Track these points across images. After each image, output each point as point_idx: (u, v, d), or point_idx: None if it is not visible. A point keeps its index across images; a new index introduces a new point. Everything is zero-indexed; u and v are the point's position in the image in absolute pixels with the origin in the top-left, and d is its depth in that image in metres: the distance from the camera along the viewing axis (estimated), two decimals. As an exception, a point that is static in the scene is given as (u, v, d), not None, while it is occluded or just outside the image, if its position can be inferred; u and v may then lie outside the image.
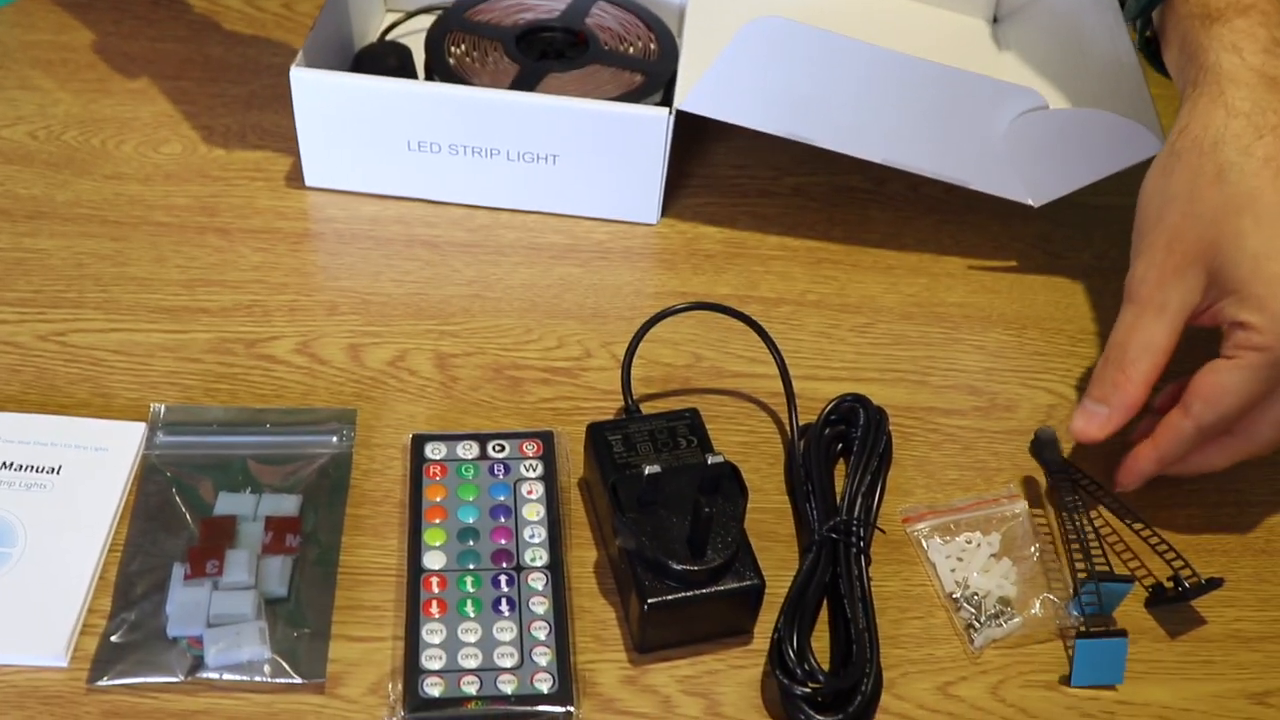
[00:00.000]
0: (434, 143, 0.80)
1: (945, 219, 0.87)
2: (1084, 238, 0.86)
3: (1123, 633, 0.63)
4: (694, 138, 0.89)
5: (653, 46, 0.90)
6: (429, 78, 0.87)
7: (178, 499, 0.66)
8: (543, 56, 0.88)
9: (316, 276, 0.79)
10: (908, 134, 0.80)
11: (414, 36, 0.94)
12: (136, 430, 0.69)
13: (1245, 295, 0.63)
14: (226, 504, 0.65)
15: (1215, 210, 0.65)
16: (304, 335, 0.75)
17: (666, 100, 0.86)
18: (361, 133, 0.81)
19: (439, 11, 0.93)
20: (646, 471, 0.61)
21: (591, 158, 0.81)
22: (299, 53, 0.80)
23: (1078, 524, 0.67)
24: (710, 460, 0.62)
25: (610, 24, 0.91)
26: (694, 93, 0.79)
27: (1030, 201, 0.83)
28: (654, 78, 0.87)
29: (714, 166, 0.89)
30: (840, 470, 0.70)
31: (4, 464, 0.66)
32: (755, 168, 0.89)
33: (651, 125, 0.79)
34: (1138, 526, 0.68)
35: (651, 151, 0.80)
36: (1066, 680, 0.62)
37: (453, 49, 0.87)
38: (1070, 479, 0.69)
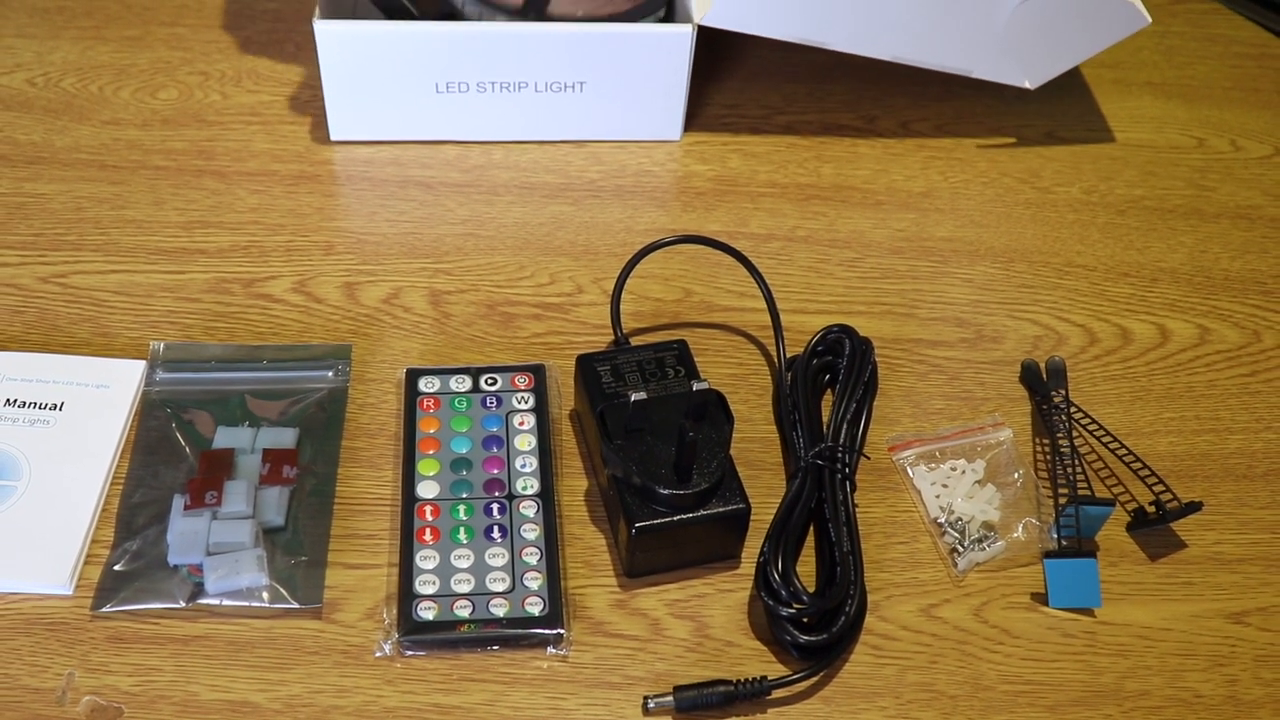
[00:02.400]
0: (463, 82, 0.81)
1: (934, 155, 0.87)
2: (1073, 171, 0.87)
3: (1091, 554, 0.64)
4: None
5: None
6: (419, 17, 0.87)
7: (177, 433, 0.67)
8: None
9: (312, 218, 0.79)
10: (915, 30, 0.82)
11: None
12: (137, 368, 0.70)
13: None
14: (225, 437, 0.66)
15: None
16: (300, 274, 0.76)
17: (669, 13, 0.87)
18: (390, 80, 0.81)
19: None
20: (633, 398, 0.62)
21: (618, 81, 0.82)
22: (316, 5, 0.79)
23: (1061, 450, 0.68)
24: (696, 387, 0.62)
25: None
26: (716, 8, 0.80)
27: (1027, 84, 0.86)
28: None
29: (706, 106, 0.89)
30: (828, 401, 0.71)
31: (8, 401, 0.68)
32: (746, 106, 0.90)
33: (676, 42, 0.81)
34: (1122, 453, 0.68)
35: (676, 68, 0.82)
36: (1046, 600, 0.63)
37: None
38: (1056, 407, 0.70)
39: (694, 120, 0.87)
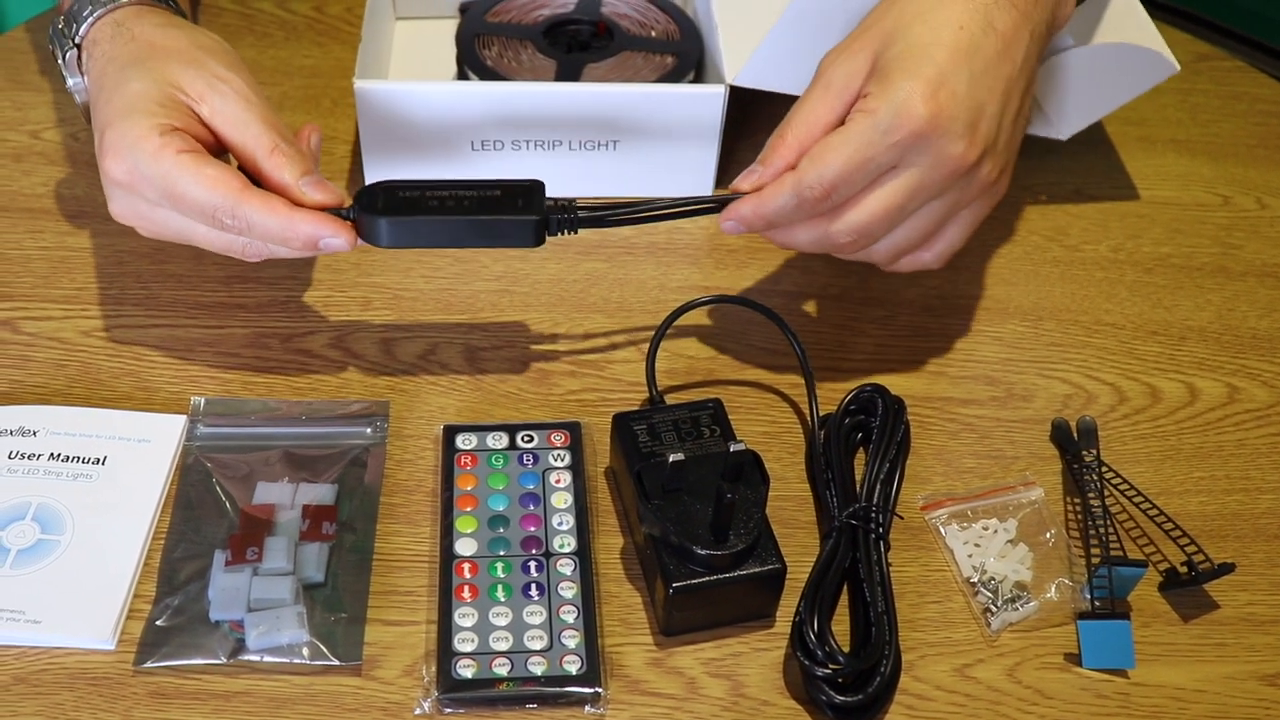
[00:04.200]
0: (498, 140, 0.82)
1: (963, 213, 0.88)
2: (1100, 229, 0.87)
3: (1125, 615, 0.64)
4: (737, 132, 0.90)
5: (672, 28, 0.92)
6: (464, 80, 0.89)
7: (218, 488, 0.68)
8: (570, 50, 0.90)
9: (349, 273, 0.80)
10: None
11: (425, 41, 0.97)
12: (178, 422, 0.71)
13: (880, 70, 0.65)
14: (265, 493, 0.67)
15: (902, 11, 0.66)
16: (338, 330, 0.77)
17: (698, 78, 0.89)
18: (426, 138, 0.82)
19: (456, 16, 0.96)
20: (671, 459, 0.62)
21: (651, 140, 0.83)
22: (356, 64, 0.81)
23: (1092, 510, 0.68)
24: (733, 448, 0.63)
25: (626, 11, 0.94)
26: (747, 68, 0.81)
27: (1059, 136, 0.87)
28: (684, 58, 0.89)
29: (737, 164, 0.90)
30: (860, 459, 0.71)
31: (52, 455, 0.68)
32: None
33: (708, 102, 0.82)
34: (1152, 513, 0.69)
35: (708, 127, 0.83)
36: (1079, 662, 0.64)
37: (485, 51, 0.89)
38: (1087, 466, 0.71)
39: (725, 177, 0.87)
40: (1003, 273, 0.84)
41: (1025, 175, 0.91)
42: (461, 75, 0.89)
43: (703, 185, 0.86)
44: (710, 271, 0.83)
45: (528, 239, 0.68)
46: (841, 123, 0.66)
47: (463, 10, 0.97)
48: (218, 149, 0.68)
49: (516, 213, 0.67)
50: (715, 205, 0.69)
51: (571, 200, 0.69)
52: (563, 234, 0.68)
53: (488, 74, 0.87)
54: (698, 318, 0.78)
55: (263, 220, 0.65)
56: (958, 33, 0.65)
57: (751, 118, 0.90)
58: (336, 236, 0.66)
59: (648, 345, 0.74)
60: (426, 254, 0.82)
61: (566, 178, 0.84)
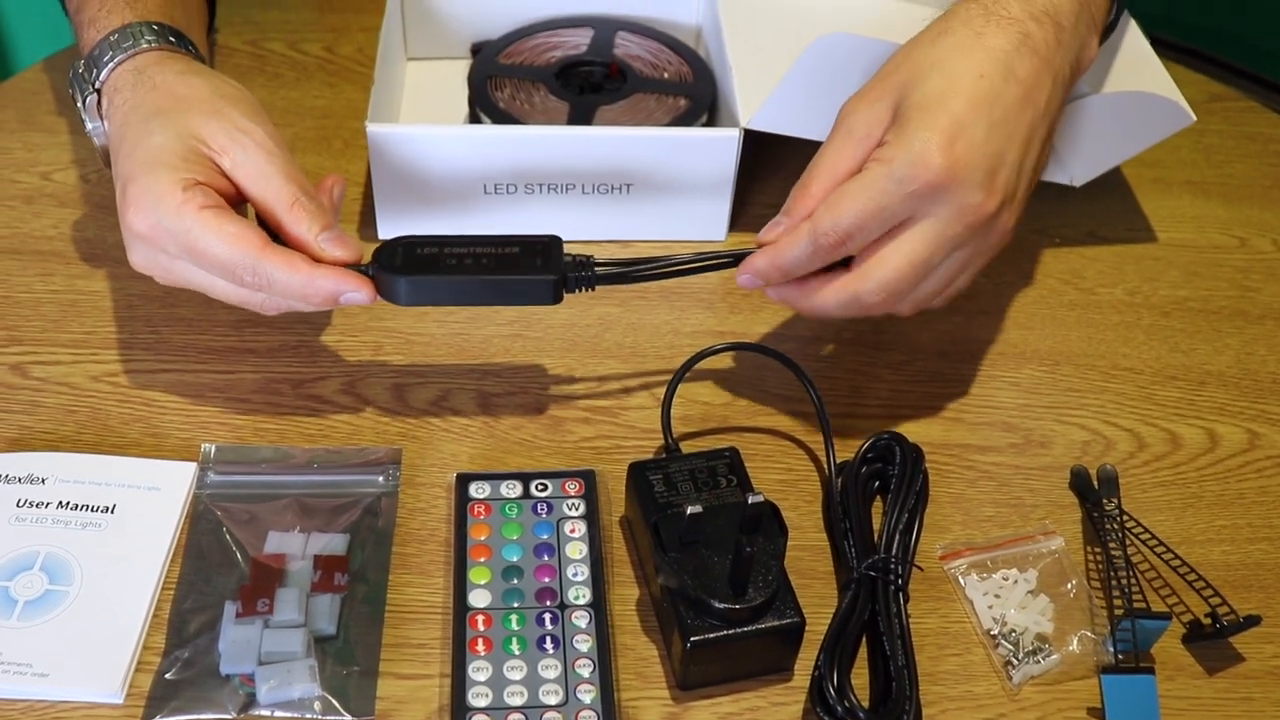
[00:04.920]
0: (511, 184, 0.82)
1: (978, 256, 0.87)
2: (1116, 272, 0.87)
3: (1150, 669, 0.63)
4: (753, 171, 0.90)
5: (685, 70, 0.92)
6: (476, 121, 0.88)
7: (228, 538, 0.67)
8: (582, 91, 0.90)
9: (360, 318, 0.80)
10: None
11: (437, 82, 0.96)
12: (188, 470, 0.70)
13: (899, 119, 0.65)
14: (276, 543, 0.66)
15: (921, 60, 0.67)
16: (350, 375, 0.76)
17: (711, 121, 0.89)
18: (438, 181, 0.82)
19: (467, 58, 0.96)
20: (688, 511, 0.62)
21: (664, 183, 0.82)
22: (369, 106, 0.80)
23: (1114, 560, 0.67)
24: (751, 500, 0.62)
25: (639, 52, 0.93)
26: (763, 112, 0.81)
27: (1073, 183, 0.86)
28: (697, 100, 0.89)
29: (751, 206, 0.90)
30: (878, 507, 0.71)
31: (61, 503, 0.68)
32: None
33: (723, 146, 0.81)
34: (1175, 563, 0.68)
35: (722, 171, 0.82)
36: (1103, 717, 0.63)
37: (497, 93, 0.89)
38: (1109, 515, 0.70)
39: (739, 221, 0.87)
40: (1018, 317, 0.83)
41: (1039, 218, 0.90)
42: (474, 117, 0.89)
43: (717, 229, 0.85)
44: (725, 316, 0.82)
45: (546, 297, 0.68)
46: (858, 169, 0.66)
47: (474, 51, 0.97)
48: (239, 200, 0.68)
49: (535, 271, 0.67)
50: (732, 261, 0.69)
51: (589, 257, 0.69)
52: (580, 291, 0.68)
53: (500, 116, 0.87)
54: (713, 363, 0.77)
55: (284, 278, 0.65)
56: (977, 81, 0.64)
57: (766, 161, 0.90)
58: (357, 292, 0.66)
59: (662, 391, 0.73)
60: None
61: (580, 222, 0.84)
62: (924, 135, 0.63)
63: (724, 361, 0.78)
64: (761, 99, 0.81)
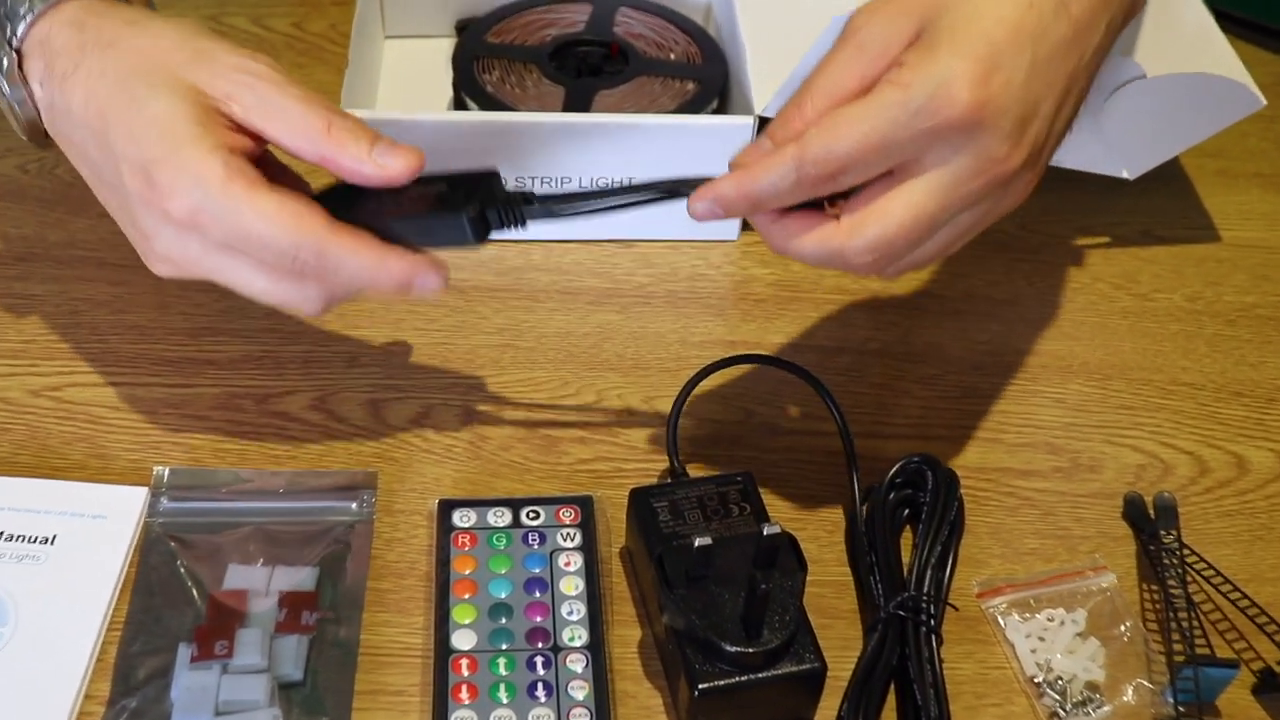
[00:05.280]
0: (503, 178, 0.80)
1: (1018, 257, 0.87)
2: (1175, 275, 0.86)
3: (1218, 724, 0.62)
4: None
5: (693, 50, 0.91)
6: (461, 107, 0.87)
7: (183, 572, 0.66)
8: (579, 74, 0.89)
9: (333, 324, 0.79)
10: None
11: (418, 63, 0.95)
12: (138, 496, 0.69)
13: (926, 39, 0.59)
14: (236, 577, 0.66)
15: None
16: (320, 390, 0.76)
17: (722, 107, 0.87)
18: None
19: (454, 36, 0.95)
20: (696, 544, 0.61)
21: (671, 176, 0.81)
22: (342, 90, 0.79)
23: (1174, 599, 0.66)
24: (766, 531, 0.61)
25: (642, 30, 0.92)
26: (780, 97, 0.79)
27: (1125, 174, 0.85)
28: (706, 84, 0.88)
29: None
30: (907, 539, 0.70)
31: (-5, 533, 0.67)
32: (809, 201, 0.89)
33: (735, 135, 0.80)
34: (1242, 603, 0.67)
35: None
36: (1163, 776, 0.62)
37: (485, 75, 0.88)
38: (1167, 548, 0.69)
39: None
40: (1064, 325, 0.83)
41: (1086, 214, 0.90)
42: (459, 102, 0.88)
43: (728, 228, 0.85)
44: (736, 324, 0.81)
45: (465, 237, 0.63)
46: (864, 91, 0.60)
47: (460, 29, 0.96)
48: (260, 151, 0.64)
49: (451, 208, 0.63)
50: (695, 188, 0.63)
51: (529, 193, 0.64)
52: (511, 228, 0.63)
53: (488, 101, 0.86)
54: (724, 377, 0.76)
55: (353, 262, 0.61)
56: (1026, 10, 0.59)
57: None
58: (430, 277, 0.62)
59: (668, 408, 0.72)
60: (418, 306, 0.81)
61: (577, 220, 0.82)
62: (953, 63, 0.57)
63: (736, 375, 0.77)
64: (778, 82, 0.80)
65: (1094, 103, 0.81)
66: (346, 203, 0.63)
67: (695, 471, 0.71)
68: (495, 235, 0.63)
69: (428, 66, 0.95)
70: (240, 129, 0.63)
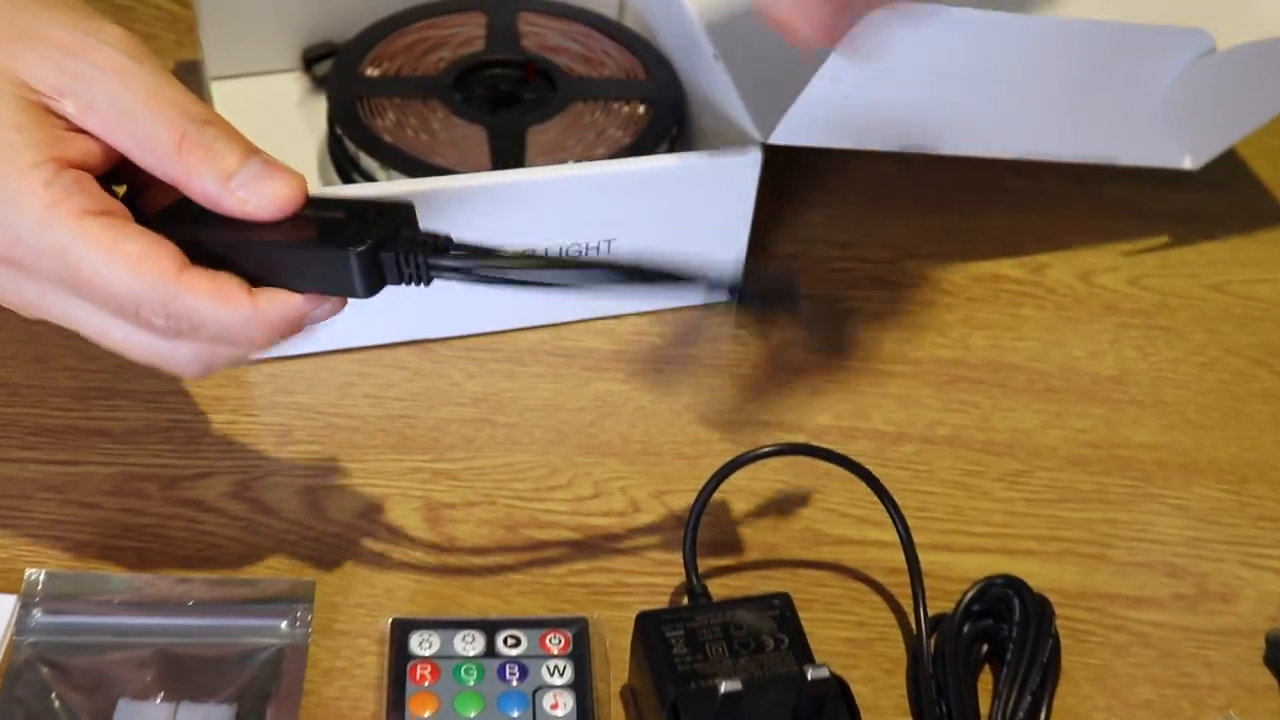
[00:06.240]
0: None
1: (1128, 321, 0.88)
2: (1331, 351, 0.88)
3: None
4: (774, 200, 0.90)
5: (629, 61, 0.91)
6: (351, 170, 0.85)
7: (58, 707, 0.66)
8: (495, 108, 0.88)
9: (263, 388, 0.80)
10: (1046, 115, 0.84)
11: (256, 106, 0.94)
12: (4, 605, 0.69)
13: None
14: (128, 716, 0.65)
15: None
16: (244, 473, 0.76)
17: (682, 131, 0.88)
18: None
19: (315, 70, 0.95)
20: (723, 689, 0.61)
21: (656, 232, 0.82)
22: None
23: (1325, 771, 0.66)
24: (811, 675, 0.62)
25: (559, 41, 0.92)
26: (788, 121, 0.80)
27: (1188, 164, 0.88)
28: (658, 104, 0.88)
29: (805, 244, 0.90)
30: (986, 683, 0.70)
31: None
32: (864, 245, 0.91)
33: (735, 173, 0.81)
34: None
35: (736, 208, 0.83)
36: None
37: (376, 120, 0.86)
38: (1315, 705, 0.69)
39: (787, 264, 0.87)
40: (1187, 411, 0.84)
41: (1215, 267, 0.91)
42: (342, 160, 0.85)
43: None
44: (770, 401, 0.82)
45: (349, 284, 0.60)
46: None
47: (310, 59, 0.95)
48: (109, 162, 0.62)
49: (336, 244, 0.60)
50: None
51: (444, 237, 0.61)
52: (411, 284, 0.61)
53: (390, 154, 0.83)
54: (757, 470, 0.76)
55: (214, 315, 0.59)
56: None
57: (788, 201, 0.90)
58: (323, 305, 0.60)
59: (684, 507, 0.73)
60: (372, 366, 0.81)
61: (543, 299, 0.83)
62: None
63: (772, 468, 0.78)
64: (767, 94, 0.80)
65: (1156, 85, 0.83)
66: (205, 217, 0.61)
67: (719, 591, 0.71)
68: (395, 287, 0.61)
69: (269, 109, 0.93)
70: (78, 131, 0.61)
